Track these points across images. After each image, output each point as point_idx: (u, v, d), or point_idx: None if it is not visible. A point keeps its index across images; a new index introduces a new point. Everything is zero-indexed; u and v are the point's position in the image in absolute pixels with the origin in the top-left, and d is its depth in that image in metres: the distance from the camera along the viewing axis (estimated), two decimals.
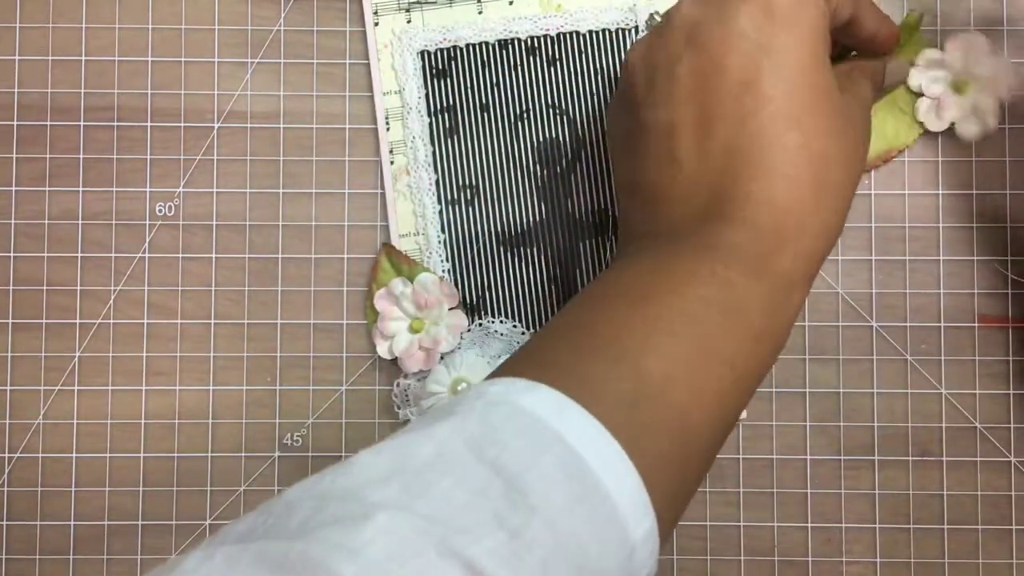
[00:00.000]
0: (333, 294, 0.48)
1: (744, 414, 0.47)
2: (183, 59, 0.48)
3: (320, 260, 0.48)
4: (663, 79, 0.36)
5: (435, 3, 0.47)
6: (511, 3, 0.47)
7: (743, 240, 0.34)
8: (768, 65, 0.35)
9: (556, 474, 0.29)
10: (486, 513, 0.27)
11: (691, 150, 0.36)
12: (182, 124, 0.48)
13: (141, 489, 0.47)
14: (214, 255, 0.48)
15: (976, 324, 0.47)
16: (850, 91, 0.40)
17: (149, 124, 0.48)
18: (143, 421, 0.47)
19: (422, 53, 0.47)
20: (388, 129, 0.47)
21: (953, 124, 0.46)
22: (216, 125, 0.48)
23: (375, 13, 0.48)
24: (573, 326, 0.34)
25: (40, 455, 0.47)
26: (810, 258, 0.35)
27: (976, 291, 0.47)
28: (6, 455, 0.47)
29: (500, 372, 0.33)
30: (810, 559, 0.47)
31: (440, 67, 0.47)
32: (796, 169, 0.35)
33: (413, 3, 0.47)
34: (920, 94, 0.46)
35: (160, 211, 0.48)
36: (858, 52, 0.43)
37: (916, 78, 0.46)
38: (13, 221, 0.48)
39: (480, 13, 0.47)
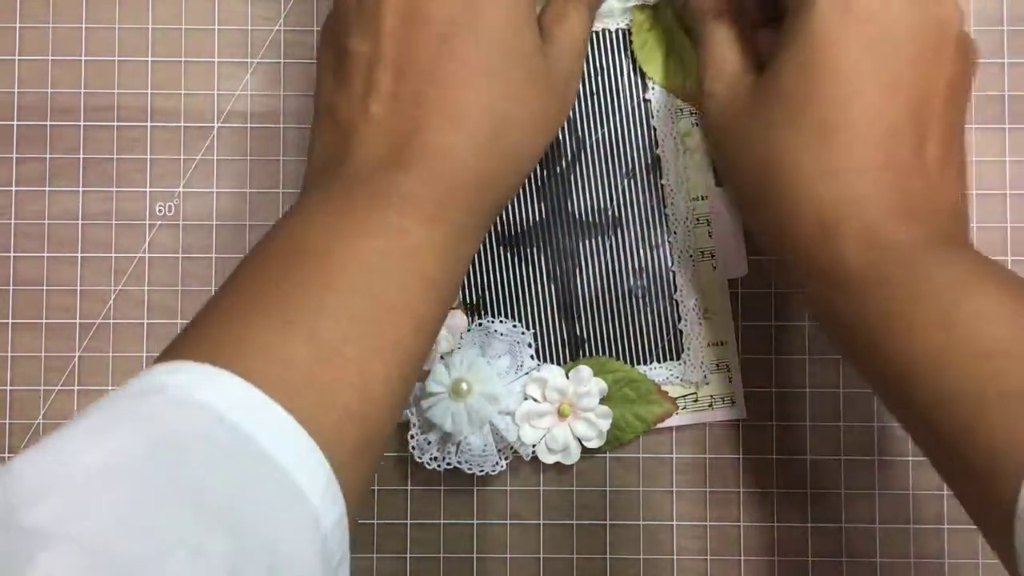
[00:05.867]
0: None
1: (743, 413, 0.47)
2: (183, 59, 0.48)
3: None
4: (370, 10, 0.37)
5: None
6: None
7: (418, 189, 0.35)
8: (465, 22, 0.36)
9: (243, 476, 0.28)
10: (164, 532, 0.25)
11: (385, 90, 0.37)
12: (182, 124, 0.48)
13: None
14: (214, 255, 0.48)
15: None
16: (561, 31, 0.41)
17: (149, 124, 0.48)
18: None
19: None
20: None
21: None
22: (216, 125, 0.48)
23: None
24: (248, 289, 0.34)
25: None
26: (481, 206, 0.37)
27: None
28: (6, 455, 0.47)
29: (180, 346, 0.32)
30: (810, 559, 0.47)
31: None
32: (477, 127, 0.36)
33: None
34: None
35: (160, 211, 0.48)
36: None
37: None
38: (13, 221, 0.48)
39: None
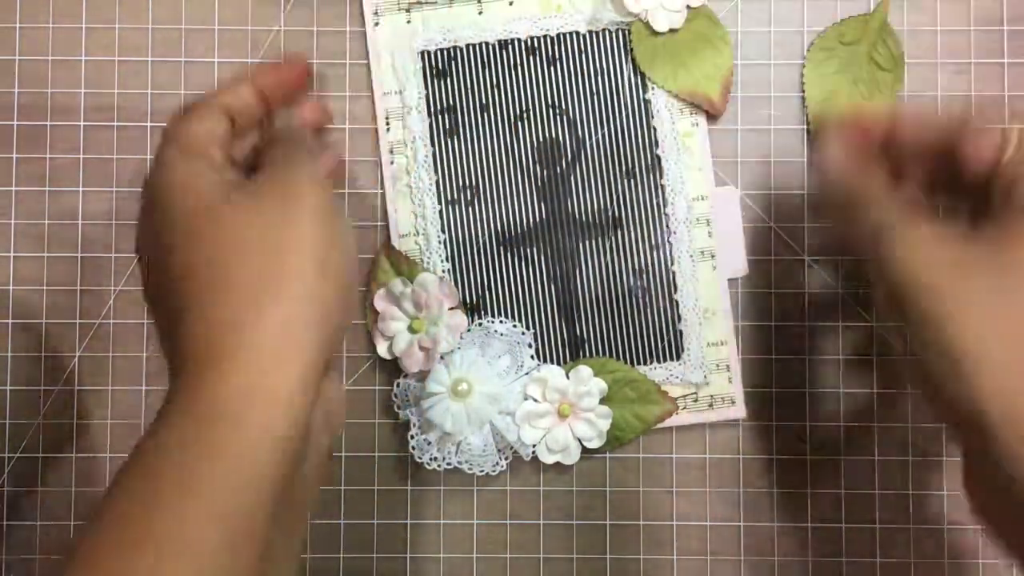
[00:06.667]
0: None
1: (743, 413, 0.47)
2: (183, 59, 0.48)
3: None
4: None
5: (435, 3, 0.47)
6: (511, 3, 0.47)
7: (177, 388, 0.33)
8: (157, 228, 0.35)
9: None
10: None
11: (163, 328, 0.36)
12: None
13: None
14: None
15: None
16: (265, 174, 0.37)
17: (149, 124, 0.48)
18: (143, 421, 0.47)
19: (422, 53, 0.47)
20: (388, 129, 0.47)
21: (647, 12, 0.46)
22: None
23: (375, 13, 0.48)
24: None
25: (40, 455, 0.47)
26: (243, 383, 0.33)
27: None
28: (6, 455, 0.47)
29: None
30: (810, 559, 0.47)
31: (440, 67, 0.47)
32: (186, 301, 0.34)
33: (413, 3, 0.47)
34: None
35: None
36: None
37: None
38: (13, 221, 0.48)
39: (480, 13, 0.47)
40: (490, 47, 0.47)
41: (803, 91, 0.47)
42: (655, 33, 0.46)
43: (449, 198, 0.47)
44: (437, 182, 0.47)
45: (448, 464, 0.45)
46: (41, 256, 0.48)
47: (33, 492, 0.47)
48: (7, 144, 0.48)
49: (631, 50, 0.47)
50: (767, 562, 0.47)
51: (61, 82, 0.48)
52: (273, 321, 0.33)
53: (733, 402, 0.47)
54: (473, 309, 0.47)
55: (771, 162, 0.47)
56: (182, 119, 0.38)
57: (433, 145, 0.47)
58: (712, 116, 0.47)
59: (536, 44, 0.47)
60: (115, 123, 0.48)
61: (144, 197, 0.37)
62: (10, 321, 0.48)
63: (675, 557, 0.47)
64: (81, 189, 0.48)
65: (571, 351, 0.47)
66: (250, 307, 0.34)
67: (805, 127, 0.47)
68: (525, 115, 0.47)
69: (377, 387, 0.47)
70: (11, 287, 0.48)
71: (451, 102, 0.47)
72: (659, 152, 0.47)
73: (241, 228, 0.35)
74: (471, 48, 0.47)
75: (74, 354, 0.47)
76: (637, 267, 0.47)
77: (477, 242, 0.47)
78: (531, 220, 0.47)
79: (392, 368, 0.47)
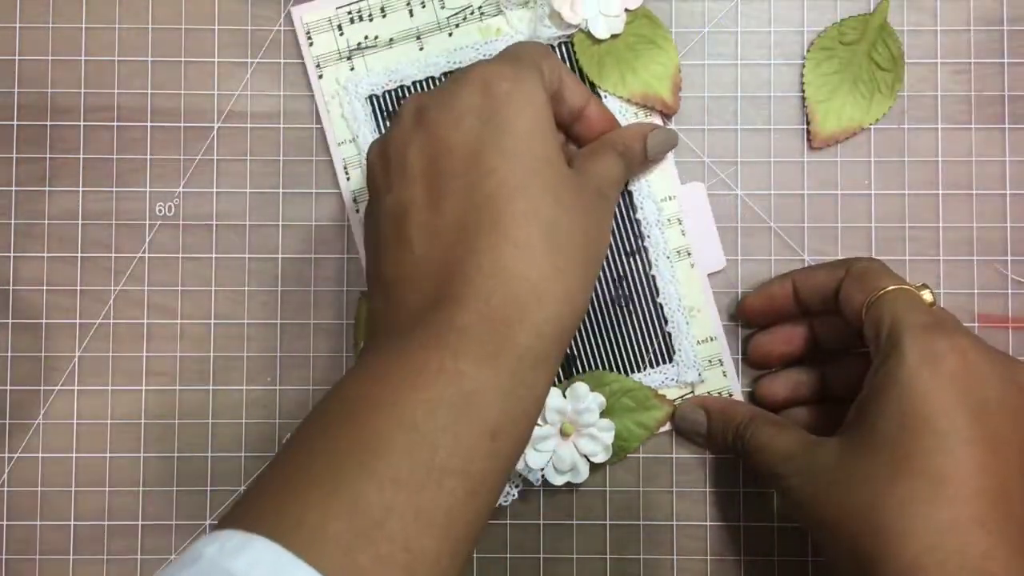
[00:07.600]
0: (333, 294, 0.48)
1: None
2: (183, 59, 0.48)
3: (320, 260, 0.48)
4: (396, 165, 0.37)
5: (375, 47, 0.47)
6: (450, 35, 0.47)
7: (474, 321, 0.33)
8: (490, 139, 0.36)
9: None
10: None
11: (421, 228, 0.36)
12: (182, 124, 0.48)
13: (141, 489, 0.47)
14: (214, 255, 0.48)
15: (976, 324, 0.47)
16: (591, 164, 0.41)
17: (149, 124, 0.48)
18: (143, 421, 0.47)
19: (370, 98, 0.47)
20: (348, 179, 0.47)
21: (586, 21, 0.46)
22: (216, 125, 0.48)
23: (317, 66, 0.47)
24: (296, 456, 0.32)
25: (40, 455, 0.47)
26: (552, 328, 0.35)
27: (976, 291, 0.47)
28: (6, 455, 0.47)
29: (227, 516, 0.31)
30: (810, 559, 0.47)
31: (390, 109, 0.47)
32: (525, 234, 0.35)
33: (354, 50, 0.47)
34: None
35: (160, 211, 0.48)
36: (577, 137, 0.44)
37: None
38: (13, 221, 0.48)
39: (421, 49, 0.47)
40: (437, 81, 0.47)
41: (803, 91, 0.47)
42: (597, 41, 0.46)
43: None
44: None
45: None
46: (41, 256, 0.48)
47: (33, 492, 0.47)
48: (7, 144, 0.48)
49: (576, 62, 0.47)
50: (767, 562, 0.47)
51: (61, 82, 0.48)
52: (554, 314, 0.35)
53: (731, 395, 0.47)
54: None
55: (771, 162, 0.47)
56: (546, 53, 0.40)
57: None
58: (667, 115, 0.47)
59: None
60: (115, 123, 0.48)
61: (466, 91, 0.37)
62: (10, 321, 0.48)
63: (675, 557, 0.47)
64: (81, 189, 0.48)
65: (564, 369, 0.47)
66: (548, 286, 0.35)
67: (805, 127, 0.47)
68: None
69: None
70: (11, 287, 0.48)
71: None
72: None
73: (571, 200, 0.37)
74: (418, 85, 0.47)
75: (74, 354, 0.47)
76: (616, 276, 0.47)
77: None
78: None
79: None
